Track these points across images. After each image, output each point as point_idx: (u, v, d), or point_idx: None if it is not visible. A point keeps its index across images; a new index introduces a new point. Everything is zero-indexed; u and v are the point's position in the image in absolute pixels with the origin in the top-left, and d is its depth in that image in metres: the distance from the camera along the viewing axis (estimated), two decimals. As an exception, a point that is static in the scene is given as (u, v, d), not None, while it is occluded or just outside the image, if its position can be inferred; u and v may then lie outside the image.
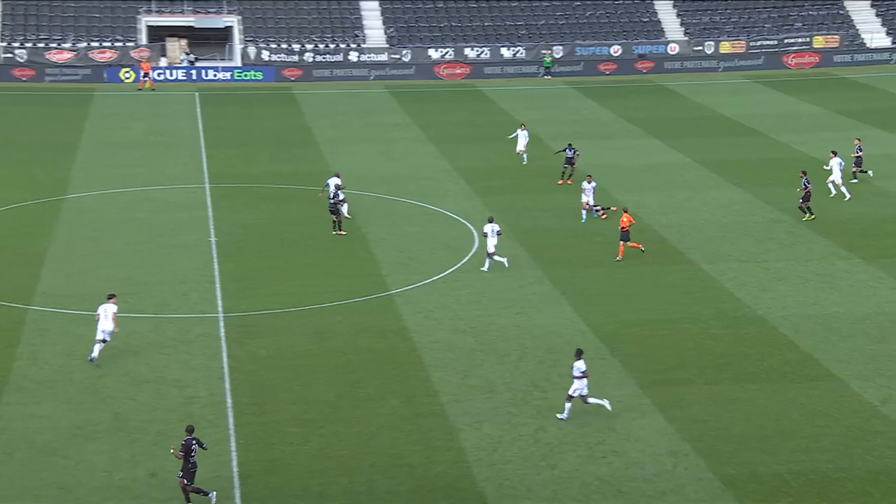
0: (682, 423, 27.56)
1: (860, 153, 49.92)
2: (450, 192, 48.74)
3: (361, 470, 25.27)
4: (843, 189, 47.12)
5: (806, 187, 43.61)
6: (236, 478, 24.87)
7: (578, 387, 27.46)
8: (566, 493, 24.53)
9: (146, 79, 73.02)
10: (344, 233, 41.69)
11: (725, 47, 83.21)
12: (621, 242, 39.26)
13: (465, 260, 39.48)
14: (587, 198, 43.83)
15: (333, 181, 42.65)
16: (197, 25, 79.03)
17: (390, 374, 30.20)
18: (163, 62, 77.10)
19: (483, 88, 75.29)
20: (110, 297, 31.25)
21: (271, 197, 47.82)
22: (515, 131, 54.48)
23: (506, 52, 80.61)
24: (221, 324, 33.61)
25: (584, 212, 43.93)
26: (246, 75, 76.98)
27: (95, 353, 30.55)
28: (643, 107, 69.35)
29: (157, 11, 79.25)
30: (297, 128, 62.65)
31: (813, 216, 43.79)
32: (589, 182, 44.09)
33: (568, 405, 27.59)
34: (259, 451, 26.03)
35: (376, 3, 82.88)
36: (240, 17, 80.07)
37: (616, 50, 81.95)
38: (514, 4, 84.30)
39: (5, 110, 66.28)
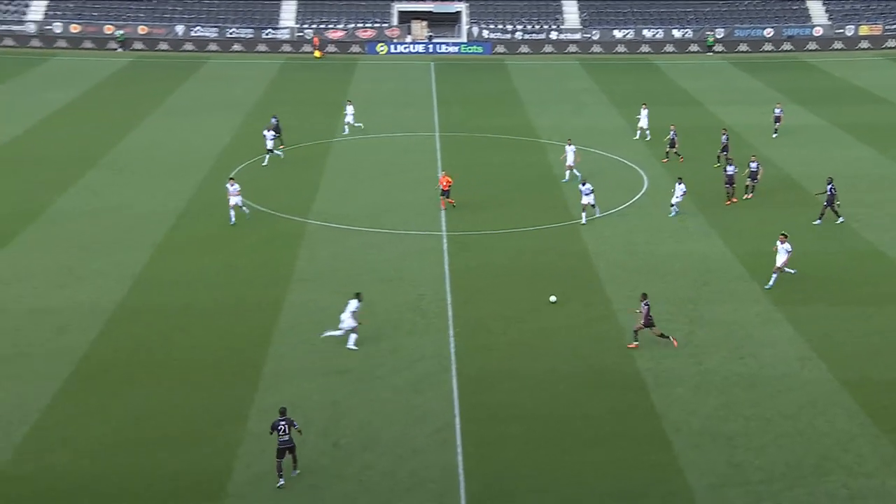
0: (809, 335, 26.17)
1: (780, 115, 48.02)
2: (626, 144, 47.32)
3: (546, 357, 25.25)
4: (645, 132, 46.96)
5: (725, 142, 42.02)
6: (453, 356, 25.36)
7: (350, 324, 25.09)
8: (710, 383, 23.85)
9: (315, 48, 73.55)
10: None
11: (864, 30, 76.54)
12: (441, 198, 36.39)
13: (635, 198, 38.38)
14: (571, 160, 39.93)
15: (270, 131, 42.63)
16: (434, 10, 79.48)
17: (571, 285, 29.88)
18: (408, 38, 77.97)
19: (656, 62, 72.28)
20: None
21: (485, 144, 47.77)
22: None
23: (676, 33, 77.00)
24: (444, 240, 34.06)
25: (567, 172, 40.36)
26: (470, 49, 76.78)
27: None
28: (788, 79, 64.87)
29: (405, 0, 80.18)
30: (507, 91, 62.07)
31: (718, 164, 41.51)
32: (569, 145, 40.68)
33: (349, 334, 25.39)
34: (470, 337, 26.39)
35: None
36: (467, 4, 79.71)
37: (769, 32, 76.81)
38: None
39: (297, 76, 68.56)
